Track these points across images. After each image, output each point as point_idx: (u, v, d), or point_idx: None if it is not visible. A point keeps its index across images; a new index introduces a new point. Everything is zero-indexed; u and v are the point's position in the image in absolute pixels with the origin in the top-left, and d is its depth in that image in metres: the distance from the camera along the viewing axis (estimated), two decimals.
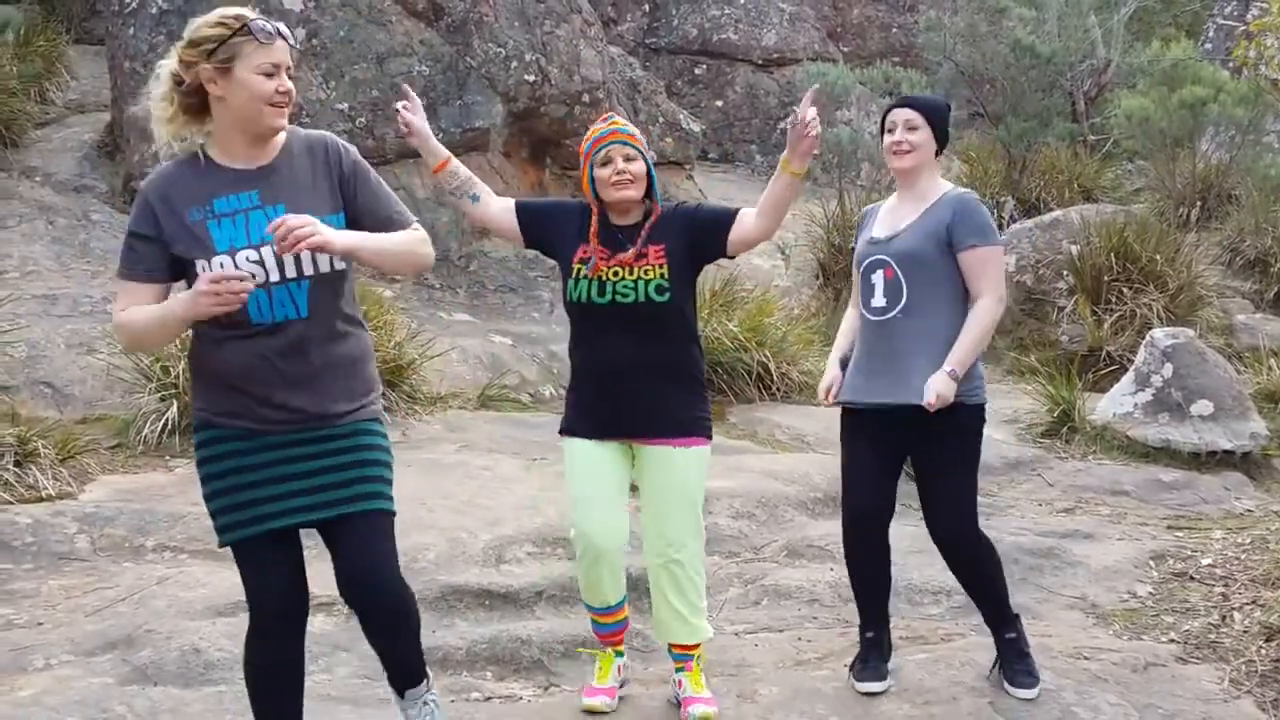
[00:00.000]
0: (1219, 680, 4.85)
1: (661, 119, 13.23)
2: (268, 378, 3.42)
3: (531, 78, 10.97)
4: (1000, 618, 4.70)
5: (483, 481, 6.71)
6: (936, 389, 4.33)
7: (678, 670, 4.53)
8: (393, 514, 3.62)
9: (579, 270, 4.30)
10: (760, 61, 16.62)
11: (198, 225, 3.38)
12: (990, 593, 4.67)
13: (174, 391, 7.11)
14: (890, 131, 4.60)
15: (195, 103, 3.44)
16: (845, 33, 18.05)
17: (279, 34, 3.42)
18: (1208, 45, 16.70)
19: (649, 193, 4.37)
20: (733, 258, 4.49)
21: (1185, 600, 5.74)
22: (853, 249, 4.82)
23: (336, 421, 3.51)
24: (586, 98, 11.35)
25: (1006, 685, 4.62)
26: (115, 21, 10.66)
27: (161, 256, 3.41)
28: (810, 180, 14.01)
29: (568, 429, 4.44)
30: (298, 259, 3.41)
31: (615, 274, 4.27)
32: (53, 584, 5.47)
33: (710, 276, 9.45)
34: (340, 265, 3.50)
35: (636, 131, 4.40)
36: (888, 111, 4.68)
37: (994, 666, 4.73)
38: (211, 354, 3.46)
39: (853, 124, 14.05)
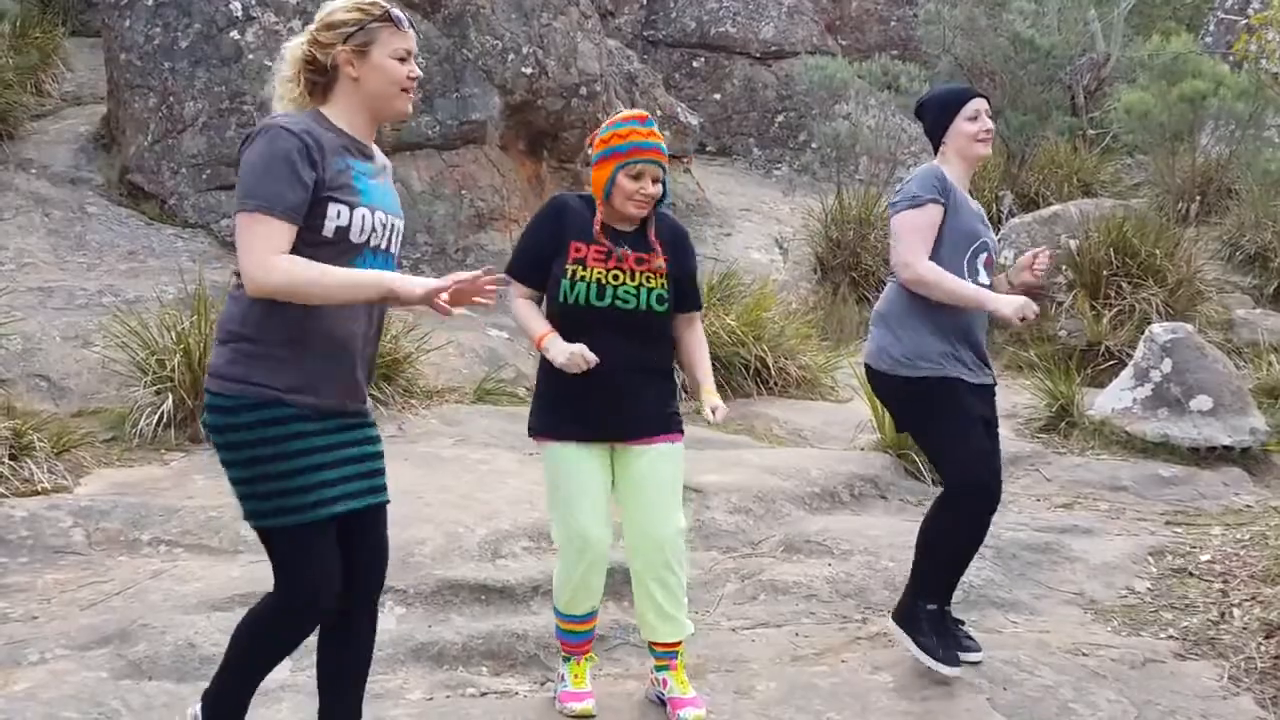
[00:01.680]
0: (1218, 677, 4.84)
1: (659, 112, 13.20)
2: (355, 351, 3.47)
3: (529, 70, 10.94)
4: (954, 588, 4.95)
5: (479, 475, 6.69)
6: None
7: (660, 669, 4.48)
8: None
9: (574, 271, 4.21)
10: (758, 54, 16.59)
11: (343, 173, 3.40)
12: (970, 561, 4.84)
13: (169, 385, 7.09)
14: (974, 119, 4.77)
15: (322, 84, 3.52)
16: (844, 26, 18.03)
17: (411, 25, 3.58)
18: (1208, 39, 16.67)
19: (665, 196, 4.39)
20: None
21: (1184, 596, 5.72)
22: (931, 200, 4.64)
23: (363, 407, 3.59)
24: (584, 90, 11.31)
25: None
26: (111, 14, 10.63)
27: (307, 200, 3.32)
28: (809, 175, 14.03)
29: (550, 432, 4.32)
30: (399, 236, 3.56)
31: (615, 277, 4.22)
32: (48, 578, 5.45)
33: (708, 271, 9.45)
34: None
35: (655, 129, 4.36)
36: (962, 99, 4.81)
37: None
38: (294, 320, 3.33)
39: (851, 118, 14.02)
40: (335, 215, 3.34)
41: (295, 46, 3.53)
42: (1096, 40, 14.81)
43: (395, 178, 3.86)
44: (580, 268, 4.21)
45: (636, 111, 4.38)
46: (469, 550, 5.73)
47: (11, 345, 7.49)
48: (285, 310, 3.32)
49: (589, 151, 4.38)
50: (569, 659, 4.53)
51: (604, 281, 4.21)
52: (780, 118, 16.21)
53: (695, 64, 16.65)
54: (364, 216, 3.39)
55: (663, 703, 4.47)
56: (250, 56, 10.08)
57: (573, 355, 4.11)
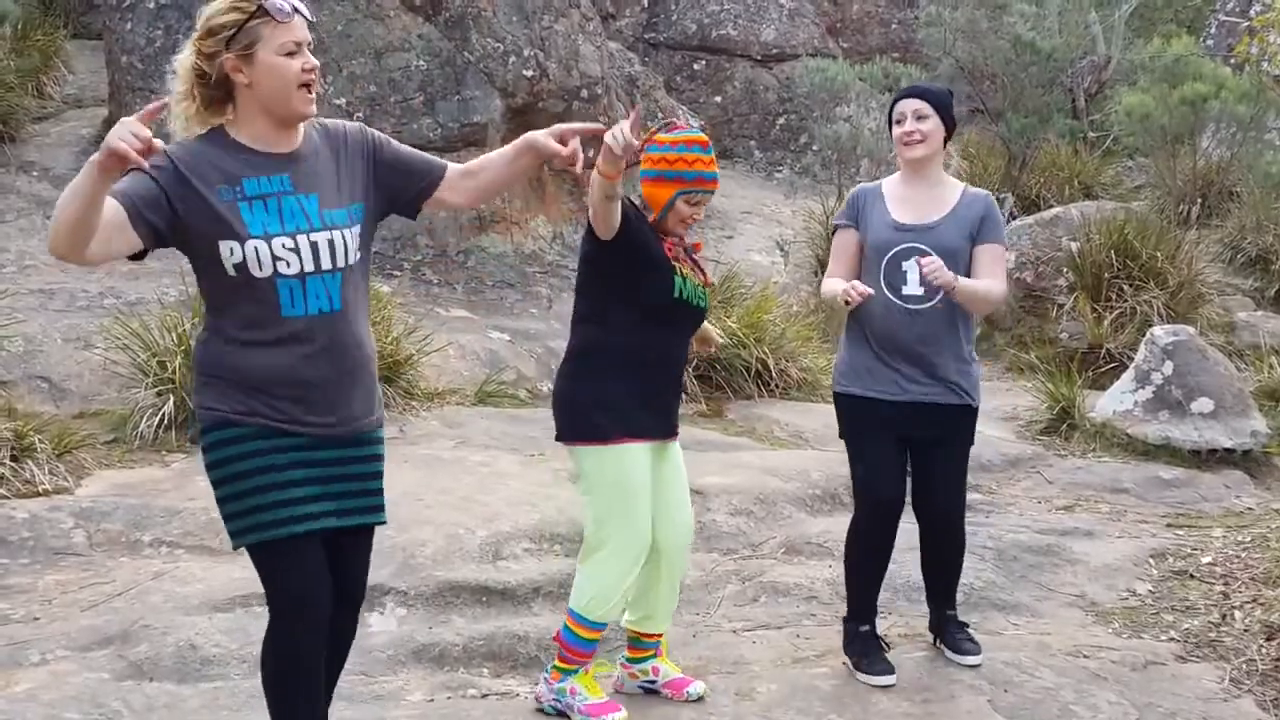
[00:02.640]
0: (1219, 679, 4.84)
1: (660, 114, 13.20)
2: (301, 379, 3.32)
3: (530, 73, 10.94)
4: (954, 595, 5.00)
5: (480, 477, 6.69)
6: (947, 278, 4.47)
7: (649, 658, 4.56)
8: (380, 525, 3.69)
9: (679, 268, 4.33)
10: (759, 57, 16.58)
11: (228, 205, 3.22)
12: (959, 570, 4.97)
13: (171, 386, 7.09)
14: (899, 123, 4.68)
15: (219, 94, 3.31)
16: (844, 28, 18.01)
17: (295, 10, 3.27)
18: (1209, 41, 16.66)
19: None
20: None
21: (1185, 599, 5.72)
22: (839, 226, 4.84)
23: (357, 428, 3.46)
24: (585, 93, 11.32)
25: (955, 655, 4.82)
26: (113, 16, 10.65)
27: (157, 209, 3.18)
28: (810, 177, 14.02)
29: (632, 432, 4.26)
30: (331, 249, 3.32)
31: (694, 279, 4.40)
32: (49, 579, 5.45)
33: (708, 273, 9.43)
34: (359, 254, 3.42)
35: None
36: (895, 102, 4.75)
37: (936, 642, 4.95)
38: (232, 355, 3.31)
39: (852, 120, 14.01)
40: (229, 253, 3.23)
41: (184, 58, 3.33)
42: (1097, 43, 14.81)
43: None
44: (681, 266, 4.35)
45: (699, 135, 4.36)
46: (470, 552, 5.73)
47: (13, 347, 7.50)
48: (210, 345, 3.35)
49: (640, 155, 4.31)
50: (571, 672, 4.38)
51: (695, 284, 4.38)
52: (781, 120, 16.20)
53: (696, 66, 16.63)
54: (256, 249, 3.23)
55: (650, 691, 4.54)
56: None
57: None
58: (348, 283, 3.37)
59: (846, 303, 4.51)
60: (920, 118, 4.64)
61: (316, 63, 3.32)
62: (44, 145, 10.86)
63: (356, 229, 3.41)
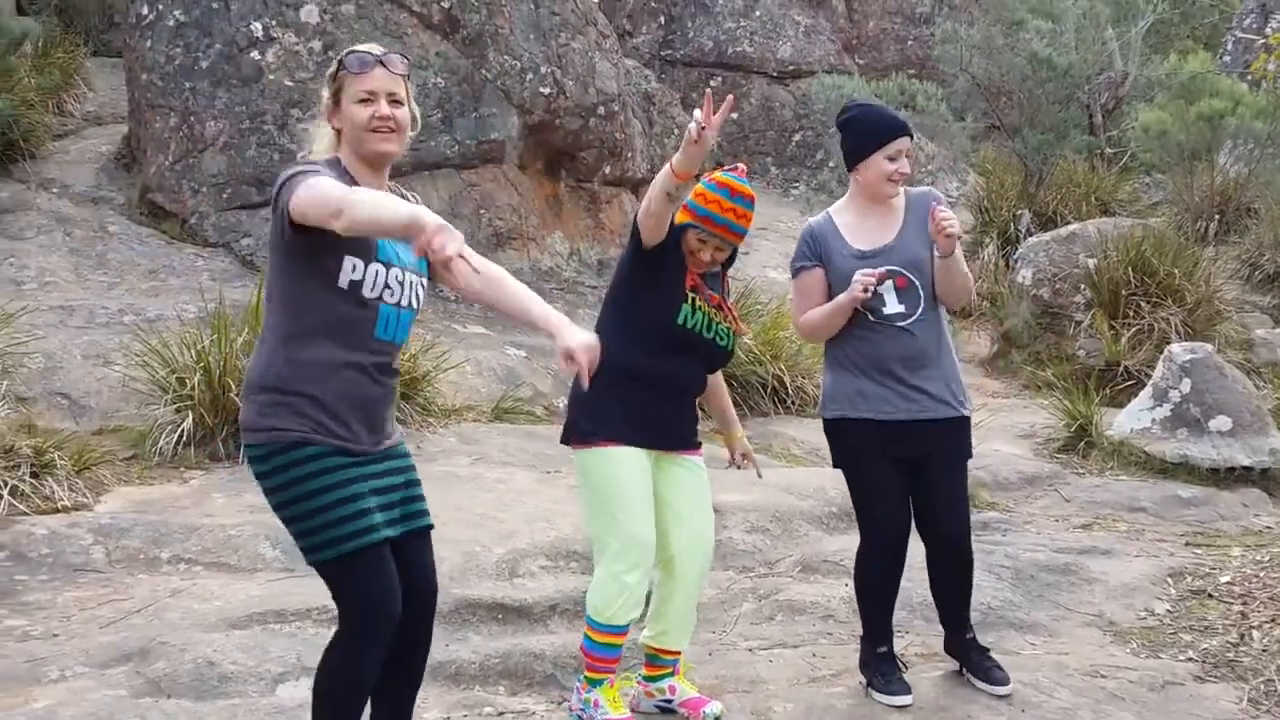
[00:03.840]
0: (1237, 700, 4.82)
1: (677, 131, 13.23)
2: (368, 399, 3.54)
3: (547, 90, 10.98)
4: (968, 616, 4.90)
5: (497, 494, 6.70)
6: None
7: (667, 676, 4.57)
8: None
9: (694, 299, 4.37)
10: (775, 74, 16.62)
11: None
12: (970, 590, 4.89)
13: (189, 403, 7.12)
14: (894, 160, 4.59)
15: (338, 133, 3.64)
16: (861, 45, 18.05)
17: (380, 62, 3.55)
18: (1226, 58, 16.65)
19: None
20: None
21: (1203, 618, 5.70)
22: (803, 267, 4.75)
23: (391, 441, 3.67)
24: (602, 110, 11.36)
25: (986, 685, 4.73)
26: (133, 34, 10.71)
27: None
28: (826, 194, 14.04)
29: (605, 436, 4.36)
30: (419, 292, 3.64)
31: (713, 315, 4.45)
32: (68, 595, 5.47)
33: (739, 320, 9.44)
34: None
35: (750, 210, 4.47)
36: (892, 135, 4.60)
37: (962, 670, 4.86)
38: (315, 371, 3.46)
39: None
40: (350, 269, 3.43)
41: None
42: (1114, 59, 14.80)
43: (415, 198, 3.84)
44: (698, 297, 4.39)
45: (745, 188, 4.42)
46: (486, 569, 5.74)
47: (33, 363, 7.53)
48: (295, 361, 3.46)
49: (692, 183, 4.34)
50: (598, 683, 4.43)
51: (713, 319, 4.43)
52: (797, 136, 16.23)
53: (712, 83, 16.63)
54: (377, 272, 3.47)
55: (666, 710, 4.55)
56: (270, 77, 10.13)
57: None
58: (412, 323, 3.69)
59: (865, 289, 4.45)
60: (907, 155, 4.62)
61: (389, 111, 3.54)
62: (64, 162, 10.93)
63: (427, 278, 3.71)
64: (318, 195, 3.22)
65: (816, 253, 4.71)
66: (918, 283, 4.58)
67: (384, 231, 3.27)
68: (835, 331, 4.66)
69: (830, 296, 4.64)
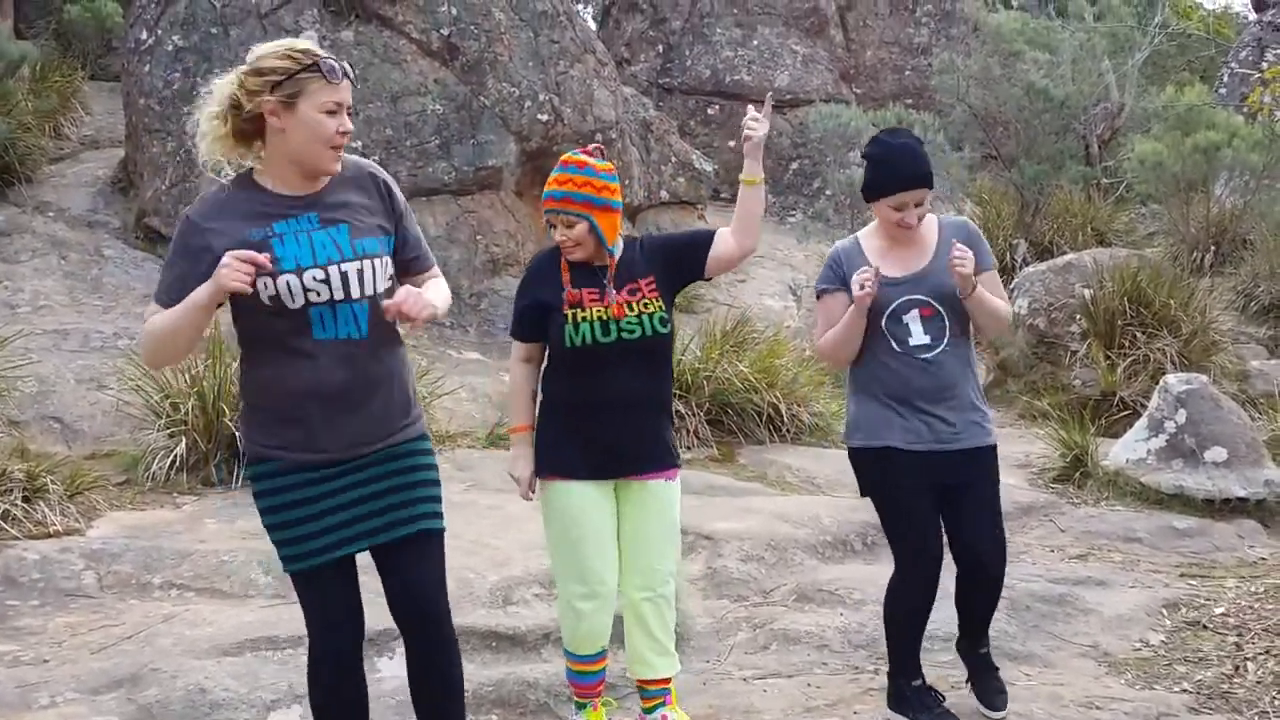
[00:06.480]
0: None
1: (674, 159, 13.26)
2: (333, 398, 3.44)
3: (545, 117, 11.01)
4: (987, 632, 4.89)
5: (491, 521, 6.68)
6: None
7: (658, 706, 4.51)
8: (443, 531, 3.68)
9: (575, 314, 4.23)
10: (773, 103, 16.66)
11: (260, 244, 3.36)
12: (994, 609, 4.85)
13: (182, 428, 7.11)
14: (898, 210, 4.51)
15: (249, 129, 3.45)
16: (858, 74, 18.09)
17: (346, 74, 3.43)
18: (1222, 90, 16.71)
19: (605, 241, 4.31)
20: (709, 279, 4.56)
21: (1198, 650, 5.68)
22: (826, 289, 4.69)
23: (389, 441, 3.56)
24: (600, 137, 11.38)
25: (981, 707, 4.75)
26: (131, 58, 10.73)
27: (184, 275, 3.38)
28: (823, 222, 14.05)
29: (556, 470, 4.33)
30: (361, 278, 3.45)
31: (606, 313, 4.25)
32: (59, 621, 5.45)
33: (721, 317, 9.47)
34: (389, 282, 3.54)
35: (589, 176, 4.28)
36: (894, 190, 4.51)
37: (966, 681, 4.87)
38: (267, 377, 3.46)
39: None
40: (264, 287, 3.36)
41: (225, 84, 3.45)
42: (1111, 90, 14.85)
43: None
44: (579, 310, 4.24)
45: (577, 156, 4.34)
46: (480, 597, 5.72)
47: (26, 387, 7.52)
48: (252, 372, 3.51)
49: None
50: (583, 706, 4.52)
51: (605, 318, 4.24)
52: (795, 165, 16.26)
53: (710, 111, 16.72)
54: (289, 283, 3.37)
55: None
56: None
57: (519, 484, 4.42)
58: (374, 308, 3.48)
59: (863, 286, 4.37)
60: (919, 204, 4.53)
61: (351, 127, 3.46)
62: (60, 186, 10.94)
63: (387, 258, 3.54)
64: (144, 352, 3.47)
65: (841, 275, 4.63)
66: (944, 313, 4.53)
67: (192, 325, 3.35)
68: (854, 350, 4.59)
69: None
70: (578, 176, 4.26)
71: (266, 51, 3.41)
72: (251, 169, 3.50)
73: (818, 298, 4.76)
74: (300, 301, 3.37)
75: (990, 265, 4.70)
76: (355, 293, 3.44)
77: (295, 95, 3.36)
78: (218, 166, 3.50)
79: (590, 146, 4.42)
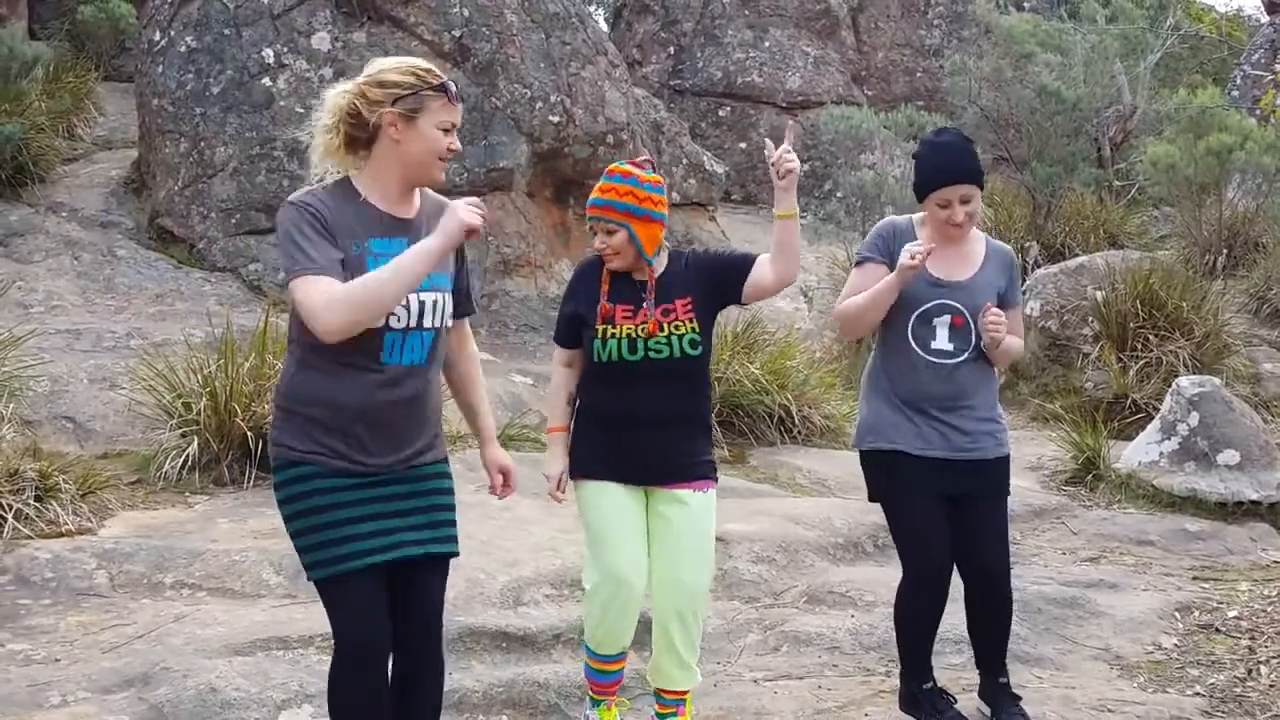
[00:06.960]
0: None
1: (685, 160, 13.26)
2: (381, 420, 3.50)
3: (556, 118, 11.01)
4: (1004, 659, 4.81)
5: (502, 522, 6.68)
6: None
7: (670, 715, 4.50)
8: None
9: (605, 331, 4.26)
10: (784, 104, 16.66)
11: (356, 258, 3.43)
12: (1007, 632, 4.79)
13: (195, 428, 7.11)
14: (945, 207, 4.48)
15: (362, 139, 3.54)
16: (870, 76, 18.09)
17: (461, 99, 3.60)
18: (1235, 93, 16.68)
19: (644, 252, 4.31)
20: (744, 305, 4.54)
21: (1211, 653, 5.67)
22: (869, 258, 4.61)
23: (419, 460, 3.63)
24: (611, 139, 11.38)
25: None
26: (144, 59, 10.76)
27: (338, 254, 3.40)
28: (834, 224, 14.04)
29: (588, 472, 4.37)
30: (435, 309, 3.56)
31: (645, 331, 4.26)
32: (71, 620, 5.45)
33: (732, 319, 9.45)
34: (453, 318, 3.66)
35: (633, 185, 4.29)
36: (937, 186, 4.49)
37: (992, 717, 4.75)
38: (320, 388, 3.49)
39: (876, 168, 14.06)
40: None
41: (338, 95, 3.55)
42: (1123, 93, 14.83)
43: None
44: (610, 326, 4.26)
45: (624, 166, 4.37)
46: (490, 597, 5.72)
47: (39, 387, 7.53)
48: (304, 379, 3.52)
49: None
50: (599, 703, 4.54)
51: (634, 336, 4.25)
52: (806, 167, 16.18)
53: (721, 113, 16.73)
54: None
55: None
56: (282, 103, 10.18)
57: (549, 482, 4.49)
58: (438, 340, 3.60)
59: (913, 257, 4.32)
60: (965, 201, 4.47)
61: (460, 147, 3.61)
62: (73, 186, 10.96)
63: (451, 292, 3.65)
64: (344, 316, 3.31)
65: (887, 249, 4.58)
66: (974, 327, 4.51)
67: (421, 277, 3.37)
68: (873, 322, 4.56)
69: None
70: (621, 185, 4.29)
71: (390, 66, 3.55)
72: (347, 176, 3.57)
73: (858, 264, 4.67)
74: (381, 322, 3.44)
75: (1017, 301, 4.71)
76: (428, 322, 3.55)
77: (417, 110, 3.49)
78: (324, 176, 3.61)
79: (639, 159, 4.44)
